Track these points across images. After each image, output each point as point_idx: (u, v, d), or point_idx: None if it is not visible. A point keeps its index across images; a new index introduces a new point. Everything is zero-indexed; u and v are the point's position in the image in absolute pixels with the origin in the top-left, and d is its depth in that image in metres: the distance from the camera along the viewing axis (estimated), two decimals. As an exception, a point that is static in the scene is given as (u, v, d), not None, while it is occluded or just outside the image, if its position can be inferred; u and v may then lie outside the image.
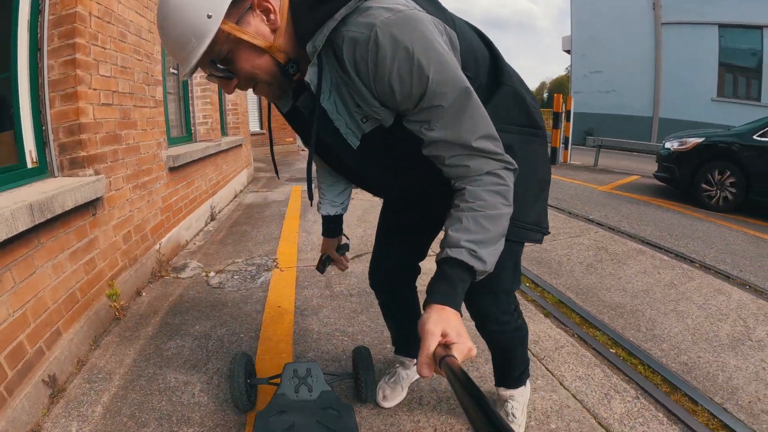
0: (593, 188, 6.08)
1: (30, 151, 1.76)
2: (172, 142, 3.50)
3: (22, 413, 1.30)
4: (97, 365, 1.80)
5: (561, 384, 1.76)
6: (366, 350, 1.54)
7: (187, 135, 4.16)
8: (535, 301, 2.52)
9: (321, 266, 1.44)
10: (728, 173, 4.75)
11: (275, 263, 2.96)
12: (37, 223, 1.42)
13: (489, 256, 0.76)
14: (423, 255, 1.38)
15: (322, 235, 1.41)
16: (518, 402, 1.44)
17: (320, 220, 1.36)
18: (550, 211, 4.97)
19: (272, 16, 0.77)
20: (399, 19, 0.72)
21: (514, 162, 0.81)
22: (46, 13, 1.77)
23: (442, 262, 0.76)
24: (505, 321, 1.21)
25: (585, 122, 14.27)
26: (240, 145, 5.73)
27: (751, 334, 2.17)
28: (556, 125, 8.19)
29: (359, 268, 2.83)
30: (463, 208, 0.78)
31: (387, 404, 1.54)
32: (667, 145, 5.35)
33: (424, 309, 0.72)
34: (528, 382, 1.52)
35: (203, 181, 3.90)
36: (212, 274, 2.76)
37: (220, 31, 0.73)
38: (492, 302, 1.18)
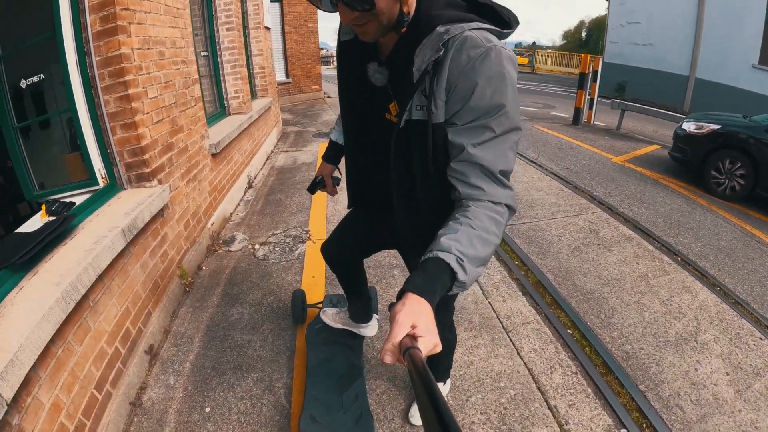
0: (607, 158, 6.19)
1: (99, 170, 2.13)
2: (208, 119, 3.81)
3: (133, 377, 1.87)
4: (179, 332, 2.29)
5: (518, 353, 2.17)
6: (373, 289, 2.46)
7: (221, 110, 4.52)
8: (519, 279, 2.87)
9: (312, 188, 1.57)
10: (739, 164, 4.80)
11: (308, 235, 3.41)
12: (128, 241, 1.87)
13: (471, 273, 0.77)
14: (367, 256, 1.71)
15: (323, 158, 1.57)
16: None
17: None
18: (557, 183, 5.24)
19: None
20: (511, 54, 0.87)
21: (516, 206, 0.90)
22: (93, 55, 1.99)
23: (428, 260, 0.76)
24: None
25: (618, 74, 13.49)
26: (269, 107, 6.03)
27: (699, 336, 2.45)
28: (581, 86, 8.04)
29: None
30: (461, 221, 0.82)
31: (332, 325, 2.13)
32: (684, 126, 5.37)
33: (399, 297, 0.71)
34: (448, 381, 1.88)
35: (239, 155, 4.31)
36: (257, 246, 3.25)
37: None
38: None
